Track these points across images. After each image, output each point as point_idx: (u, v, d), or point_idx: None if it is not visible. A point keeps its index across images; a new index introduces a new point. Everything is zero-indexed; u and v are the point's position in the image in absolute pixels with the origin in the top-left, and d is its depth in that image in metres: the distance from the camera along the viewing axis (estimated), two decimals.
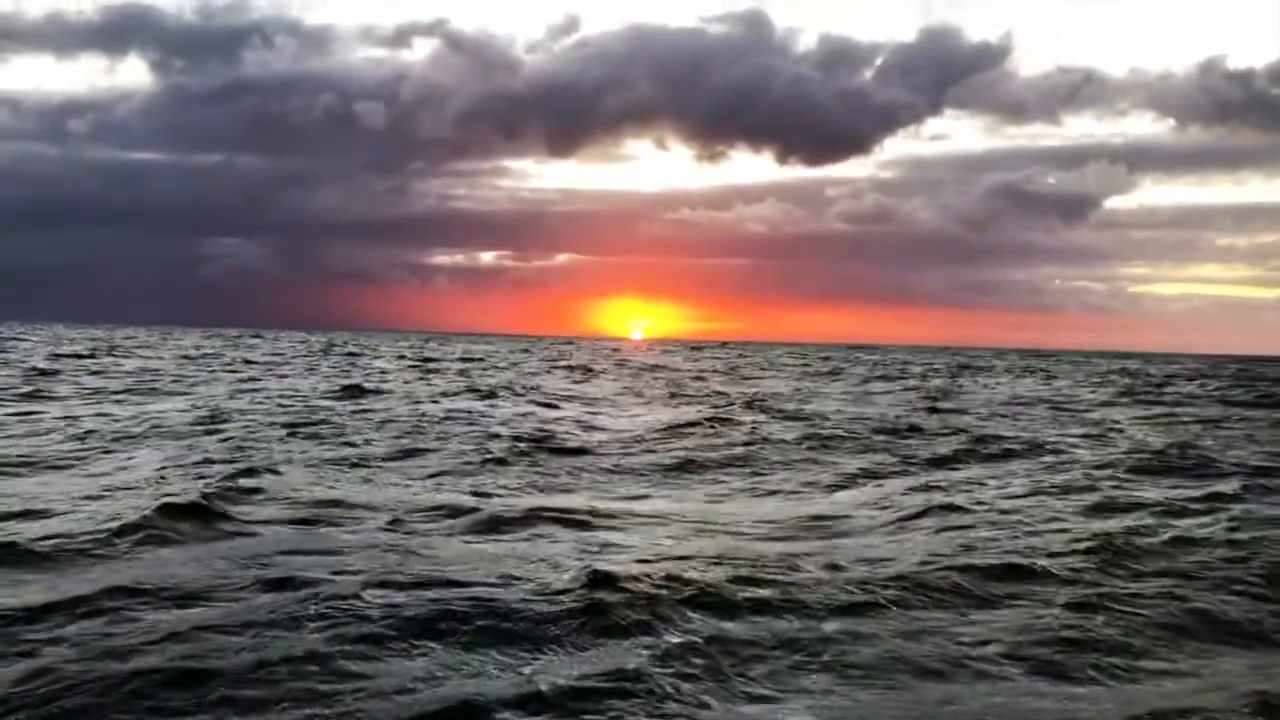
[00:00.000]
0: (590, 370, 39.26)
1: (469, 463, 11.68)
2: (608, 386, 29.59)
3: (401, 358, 46.27)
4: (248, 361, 37.98)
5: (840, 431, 16.13)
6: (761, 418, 18.65)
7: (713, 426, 16.55)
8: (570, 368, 40.00)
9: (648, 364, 50.94)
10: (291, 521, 8.19)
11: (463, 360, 44.83)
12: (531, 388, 26.85)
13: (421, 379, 29.24)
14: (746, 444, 14.33)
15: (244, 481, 9.63)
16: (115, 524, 7.58)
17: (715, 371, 43.56)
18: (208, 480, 9.61)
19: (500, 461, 11.90)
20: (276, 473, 10.42)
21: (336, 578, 6.24)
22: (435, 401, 20.90)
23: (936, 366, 57.80)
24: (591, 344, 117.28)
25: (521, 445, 13.23)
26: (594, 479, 11.20)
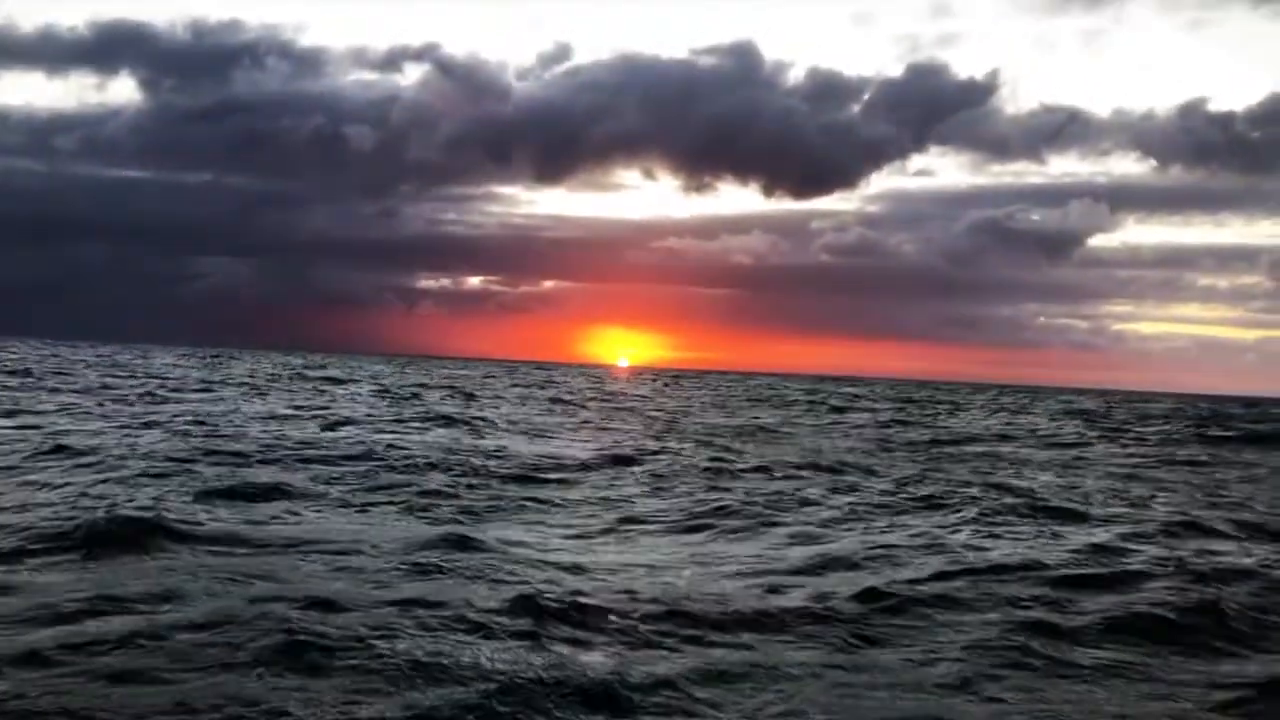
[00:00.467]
0: (565, 400, 39.25)
1: (427, 490, 11.62)
2: (582, 414, 29.60)
3: (377, 381, 46.10)
4: (224, 382, 37.77)
5: (795, 465, 16.16)
6: (731, 450, 18.69)
7: (676, 454, 16.62)
8: (551, 398, 39.93)
9: (626, 392, 50.95)
10: (234, 542, 8.17)
11: (440, 386, 44.68)
12: (505, 415, 26.81)
13: (392, 405, 29.15)
14: (706, 470, 14.49)
15: (192, 505, 9.60)
16: (50, 536, 7.59)
17: (691, 400, 43.58)
18: (155, 497, 9.60)
19: (463, 489, 11.88)
20: (225, 495, 10.38)
21: (273, 602, 6.24)
22: (405, 426, 20.87)
23: (917, 399, 58.00)
24: (574, 371, 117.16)
25: (480, 473, 13.24)
26: (553, 508, 11.18)
